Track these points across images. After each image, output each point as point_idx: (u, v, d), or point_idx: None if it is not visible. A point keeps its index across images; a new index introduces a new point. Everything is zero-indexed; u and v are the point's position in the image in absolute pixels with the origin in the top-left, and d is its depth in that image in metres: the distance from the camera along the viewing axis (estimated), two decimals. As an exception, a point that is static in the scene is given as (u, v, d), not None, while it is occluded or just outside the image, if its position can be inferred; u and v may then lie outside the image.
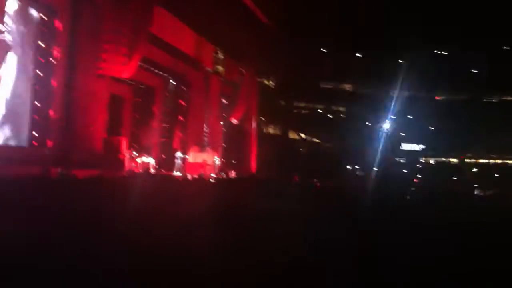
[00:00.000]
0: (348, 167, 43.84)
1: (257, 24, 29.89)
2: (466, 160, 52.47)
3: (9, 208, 5.68)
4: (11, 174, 11.41)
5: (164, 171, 24.26)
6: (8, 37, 16.51)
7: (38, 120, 17.97)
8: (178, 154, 25.69)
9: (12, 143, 17.49)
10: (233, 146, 33.45)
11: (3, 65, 16.43)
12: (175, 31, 25.50)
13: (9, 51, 16.65)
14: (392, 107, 48.92)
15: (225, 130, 32.63)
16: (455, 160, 53.54)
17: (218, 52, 31.22)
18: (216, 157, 28.00)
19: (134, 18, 19.70)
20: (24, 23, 17.67)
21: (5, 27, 16.16)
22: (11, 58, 17.03)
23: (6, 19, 16.13)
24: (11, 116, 17.36)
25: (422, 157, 52.87)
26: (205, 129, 29.56)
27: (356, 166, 44.99)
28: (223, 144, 32.14)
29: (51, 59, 18.34)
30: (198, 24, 27.29)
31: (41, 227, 5.22)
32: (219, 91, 31.06)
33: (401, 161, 50.55)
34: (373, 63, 47.31)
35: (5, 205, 5.82)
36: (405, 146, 52.03)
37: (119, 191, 8.62)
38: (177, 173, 24.20)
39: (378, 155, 44.90)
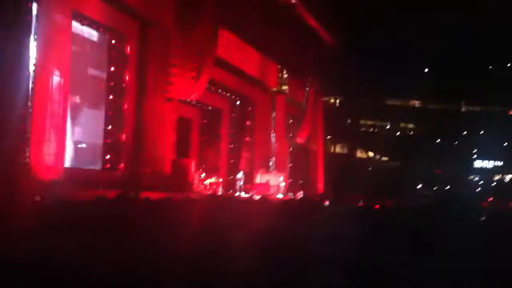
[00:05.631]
0: (418, 186, 42.55)
1: (321, 42, 29.76)
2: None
3: (88, 230, 5.75)
4: (86, 196, 11.66)
5: (232, 193, 24.28)
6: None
7: (110, 143, 18.43)
8: (240, 175, 25.64)
9: (86, 166, 18.03)
10: (300, 166, 33.16)
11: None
12: (240, 52, 25.72)
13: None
14: (462, 123, 47.44)
15: (291, 150, 32.45)
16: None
17: (283, 72, 31.25)
18: (282, 178, 27.82)
19: (201, 41, 19.99)
20: (96, 49, 18.30)
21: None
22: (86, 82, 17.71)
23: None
24: (86, 140, 17.97)
25: (497, 174, 50.65)
26: (272, 149, 29.48)
27: (422, 186, 43.65)
28: (290, 164, 31.93)
29: (121, 83, 18.84)
30: (263, 45, 27.46)
31: (118, 249, 5.22)
32: (284, 111, 30.99)
33: (475, 179, 48.62)
34: (441, 78, 46.06)
35: (83, 227, 5.90)
36: (478, 163, 50.03)
37: (192, 213, 8.61)
38: (244, 194, 24.14)
39: (448, 173, 43.50)
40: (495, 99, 47.06)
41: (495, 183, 49.78)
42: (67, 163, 16.44)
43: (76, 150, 18.08)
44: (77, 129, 18.26)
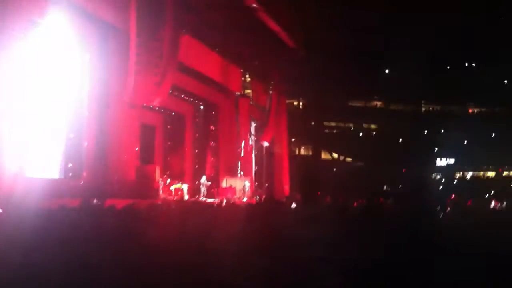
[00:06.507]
0: (383, 186, 43.22)
1: (283, 46, 29.89)
2: (505, 173, 51.29)
3: (51, 240, 5.64)
4: (49, 206, 11.41)
5: (198, 198, 24.18)
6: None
7: (72, 151, 18.11)
8: (205, 179, 25.52)
9: (48, 175, 17.64)
10: (265, 169, 33.27)
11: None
12: (202, 57, 25.68)
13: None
14: (424, 122, 48.36)
15: (256, 153, 32.51)
16: (492, 174, 52.42)
17: (246, 75, 31.32)
18: (248, 181, 27.85)
19: (163, 47, 19.83)
20: (56, 56, 17.94)
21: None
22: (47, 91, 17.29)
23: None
24: (46, 149, 17.57)
25: (458, 171, 51.83)
26: (237, 153, 29.47)
27: (387, 185, 44.39)
28: (255, 168, 32.00)
29: (83, 90, 18.56)
30: (225, 50, 27.47)
31: (83, 258, 5.14)
32: (248, 115, 31.04)
33: (438, 177, 49.63)
34: (401, 78, 46.86)
35: (47, 237, 5.79)
36: (441, 162, 51.12)
37: (159, 220, 8.54)
38: (210, 199, 24.05)
39: (412, 172, 44.30)
40: (455, 98, 48.18)
41: (456, 180, 50.89)
42: (29, 172, 16.07)
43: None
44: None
